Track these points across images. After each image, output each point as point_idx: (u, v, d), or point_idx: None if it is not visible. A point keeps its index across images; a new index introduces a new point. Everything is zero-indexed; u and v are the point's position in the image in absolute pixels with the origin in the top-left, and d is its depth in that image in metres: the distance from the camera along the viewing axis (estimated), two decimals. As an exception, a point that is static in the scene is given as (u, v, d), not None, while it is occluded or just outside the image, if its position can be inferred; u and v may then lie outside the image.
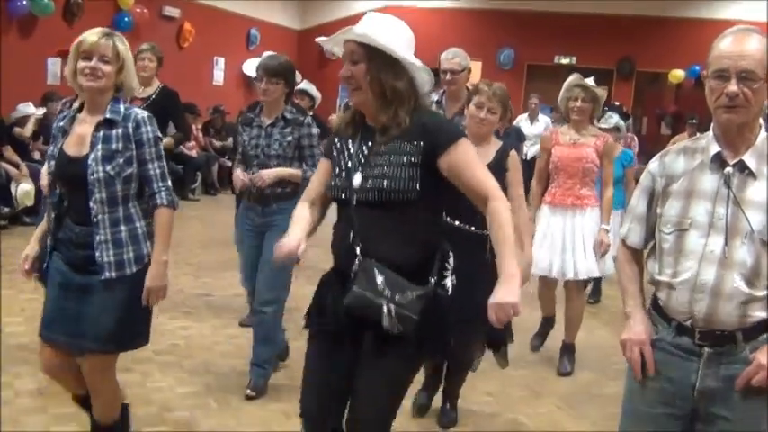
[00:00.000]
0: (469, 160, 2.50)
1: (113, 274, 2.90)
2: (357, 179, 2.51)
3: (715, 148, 2.25)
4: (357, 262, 2.46)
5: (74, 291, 2.94)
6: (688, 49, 13.55)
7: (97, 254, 2.89)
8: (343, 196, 2.55)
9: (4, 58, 8.99)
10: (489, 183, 2.49)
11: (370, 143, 2.55)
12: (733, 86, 2.14)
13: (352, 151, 2.57)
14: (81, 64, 2.85)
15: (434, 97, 4.86)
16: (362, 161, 2.53)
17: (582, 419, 4.36)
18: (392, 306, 2.39)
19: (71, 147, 2.94)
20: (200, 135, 12.18)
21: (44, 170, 3.31)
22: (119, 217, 2.92)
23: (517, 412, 4.39)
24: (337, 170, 2.60)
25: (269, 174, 4.15)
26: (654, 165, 2.41)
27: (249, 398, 4.18)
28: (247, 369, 4.32)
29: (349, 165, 2.56)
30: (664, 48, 14.19)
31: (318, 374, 2.62)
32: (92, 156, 2.87)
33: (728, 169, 2.22)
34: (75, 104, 3.06)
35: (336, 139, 2.65)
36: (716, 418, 2.26)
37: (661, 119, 15.39)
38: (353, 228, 2.50)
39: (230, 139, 11.85)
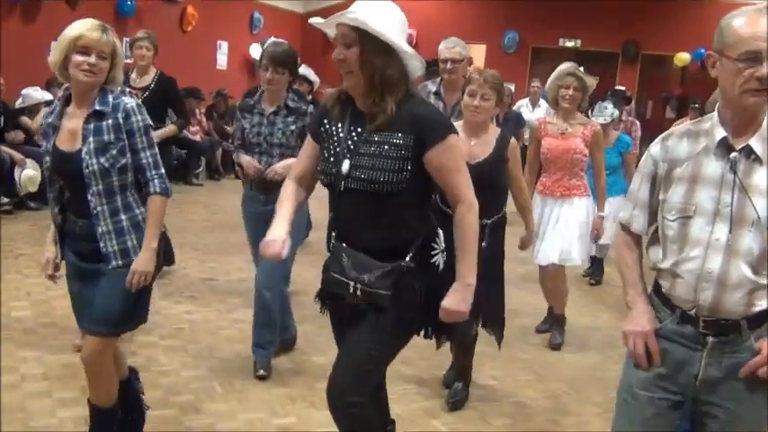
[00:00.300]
0: (451, 161, 2.51)
1: (120, 262, 2.94)
2: (345, 166, 2.52)
3: (721, 133, 2.18)
4: (330, 246, 2.61)
5: (86, 278, 3.02)
6: (694, 31, 13.46)
7: (101, 245, 2.93)
8: (331, 181, 2.57)
9: (7, 42, 8.97)
10: (463, 188, 2.54)
11: (359, 129, 2.55)
12: (766, 69, 2.05)
13: (341, 135, 2.58)
14: (78, 58, 2.83)
15: (432, 88, 4.83)
16: (351, 147, 2.54)
17: (586, 402, 4.37)
18: (359, 286, 2.50)
19: (63, 142, 2.95)
20: (204, 119, 12.15)
21: None
22: (118, 207, 2.94)
23: (522, 395, 4.40)
24: (326, 154, 2.61)
25: (283, 167, 4.13)
26: (655, 149, 2.32)
27: (261, 378, 4.22)
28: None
29: (338, 150, 2.57)
30: (669, 30, 14.10)
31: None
32: (84, 149, 2.88)
33: (734, 154, 2.15)
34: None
35: (325, 120, 2.65)
36: (716, 407, 2.24)
37: (666, 102, 15.32)
38: (336, 213, 2.58)
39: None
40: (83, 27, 2.85)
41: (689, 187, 2.21)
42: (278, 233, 2.56)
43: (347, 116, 2.59)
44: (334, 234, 2.60)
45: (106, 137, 2.89)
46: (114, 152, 2.90)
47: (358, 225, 2.54)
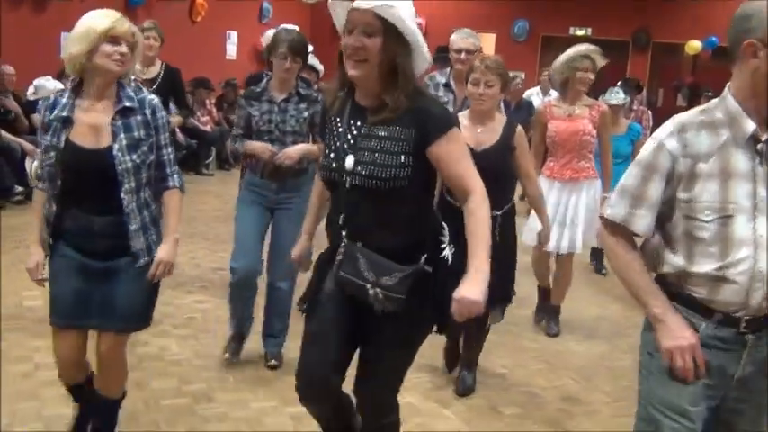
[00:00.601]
0: (456, 153, 2.44)
1: (146, 258, 2.94)
2: (349, 162, 2.46)
3: (750, 125, 2.06)
4: (342, 246, 2.50)
5: (95, 275, 2.91)
6: (705, 19, 13.39)
7: (132, 242, 2.90)
8: (335, 178, 2.52)
9: (17, 33, 9.00)
10: (472, 179, 2.44)
11: (359, 123, 2.50)
12: None
13: (341, 131, 2.53)
14: (110, 48, 2.76)
15: (442, 79, 4.77)
16: (352, 143, 2.49)
17: (596, 391, 4.38)
18: (378, 289, 2.41)
19: (82, 137, 2.83)
20: (214, 109, 12.15)
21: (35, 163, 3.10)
22: (142, 203, 2.93)
23: (532, 385, 4.41)
24: (326, 150, 2.57)
25: (296, 151, 4.06)
26: (672, 143, 2.10)
27: (273, 367, 4.25)
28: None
29: (338, 145, 2.51)
30: (680, 19, 14.03)
31: (321, 339, 2.63)
32: (116, 146, 2.82)
33: (761, 146, 2.06)
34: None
35: (328, 118, 2.61)
36: (745, 403, 2.22)
37: (677, 91, 15.24)
38: (343, 211, 2.51)
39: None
40: (110, 18, 2.79)
41: (722, 184, 2.07)
42: (300, 242, 3.03)
43: (346, 111, 2.54)
44: (344, 233, 2.50)
45: (136, 133, 2.86)
46: (145, 149, 2.88)
47: (364, 222, 2.48)
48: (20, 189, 8.02)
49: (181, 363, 4.29)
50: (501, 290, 3.99)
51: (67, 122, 2.84)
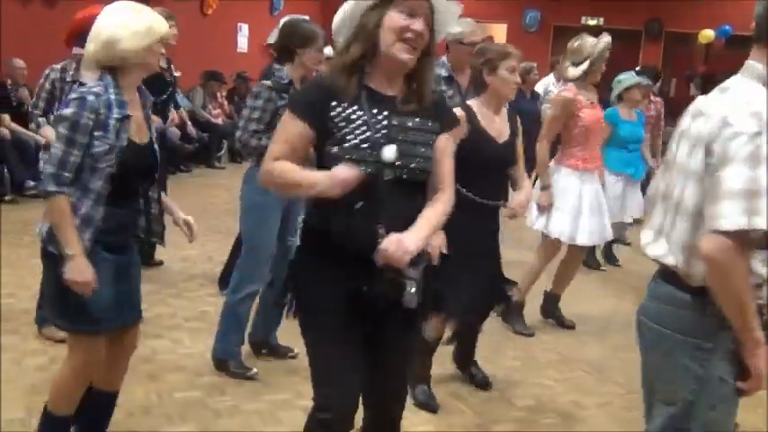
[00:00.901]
0: (448, 152, 2.48)
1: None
2: (390, 153, 2.28)
3: None
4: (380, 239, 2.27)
5: (123, 271, 2.88)
6: (718, 8, 13.28)
7: (164, 231, 3.06)
8: (368, 171, 2.28)
9: (29, 26, 9.03)
10: (448, 180, 2.47)
11: (385, 112, 2.35)
12: None
13: (365, 119, 2.32)
14: (158, 48, 2.80)
15: (442, 72, 4.67)
16: (386, 132, 2.33)
17: (608, 383, 4.37)
18: (413, 284, 2.28)
19: (135, 134, 2.79)
20: (226, 102, 12.17)
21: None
22: None
23: (545, 377, 4.41)
24: (353, 140, 2.31)
25: None
26: None
27: (293, 357, 4.28)
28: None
29: (367, 135, 2.31)
30: (693, 7, 13.91)
31: (349, 365, 2.49)
32: (153, 139, 2.91)
33: None
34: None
35: (333, 103, 2.33)
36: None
37: (690, 80, 15.11)
38: (378, 206, 2.29)
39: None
40: (161, 20, 2.81)
41: None
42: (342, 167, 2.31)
43: (362, 99, 2.35)
44: (380, 228, 2.26)
45: (154, 126, 2.96)
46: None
47: (397, 217, 2.30)
48: (33, 183, 8.05)
49: (193, 356, 4.30)
50: (499, 284, 3.92)
51: (126, 121, 2.73)
